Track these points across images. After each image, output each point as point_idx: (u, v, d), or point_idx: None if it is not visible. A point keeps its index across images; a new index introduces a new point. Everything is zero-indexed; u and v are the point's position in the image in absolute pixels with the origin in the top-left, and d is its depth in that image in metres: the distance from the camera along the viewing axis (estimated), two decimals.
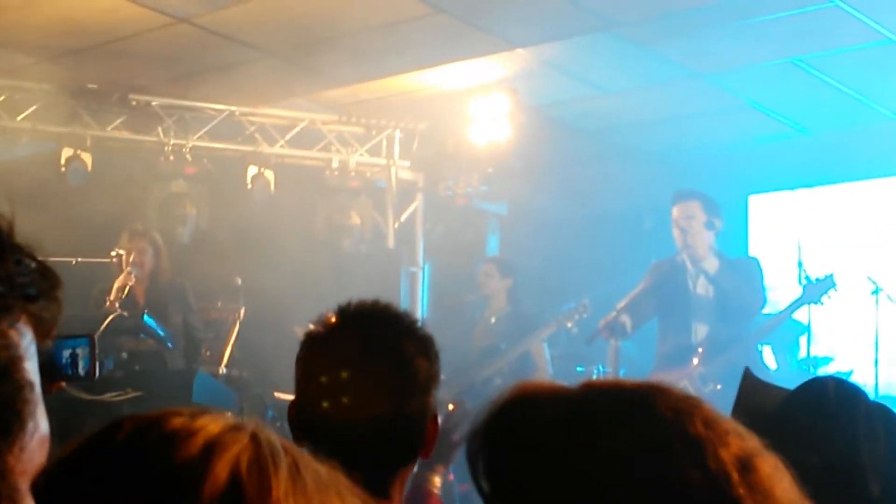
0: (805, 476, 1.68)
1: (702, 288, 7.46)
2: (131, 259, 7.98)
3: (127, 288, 7.89)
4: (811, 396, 1.91)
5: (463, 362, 8.63)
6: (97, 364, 2.75)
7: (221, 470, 0.99)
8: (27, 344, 1.08)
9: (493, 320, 8.89)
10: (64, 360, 2.69)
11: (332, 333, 2.33)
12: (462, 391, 8.24)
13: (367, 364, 2.27)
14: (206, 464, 0.99)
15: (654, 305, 7.59)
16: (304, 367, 2.35)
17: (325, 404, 2.30)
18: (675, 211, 7.54)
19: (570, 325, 8.27)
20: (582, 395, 1.21)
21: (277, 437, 1.05)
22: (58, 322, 1.10)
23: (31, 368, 1.09)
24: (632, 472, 1.12)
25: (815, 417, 1.85)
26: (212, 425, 1.03)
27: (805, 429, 1.82)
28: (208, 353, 8.31)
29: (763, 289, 7.53)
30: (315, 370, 2.33)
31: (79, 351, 2.70)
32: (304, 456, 1.06)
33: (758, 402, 1.95)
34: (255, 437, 1.03)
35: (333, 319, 2.34)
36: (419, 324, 2.39)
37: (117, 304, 7.80)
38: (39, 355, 2.78)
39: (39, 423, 1.09)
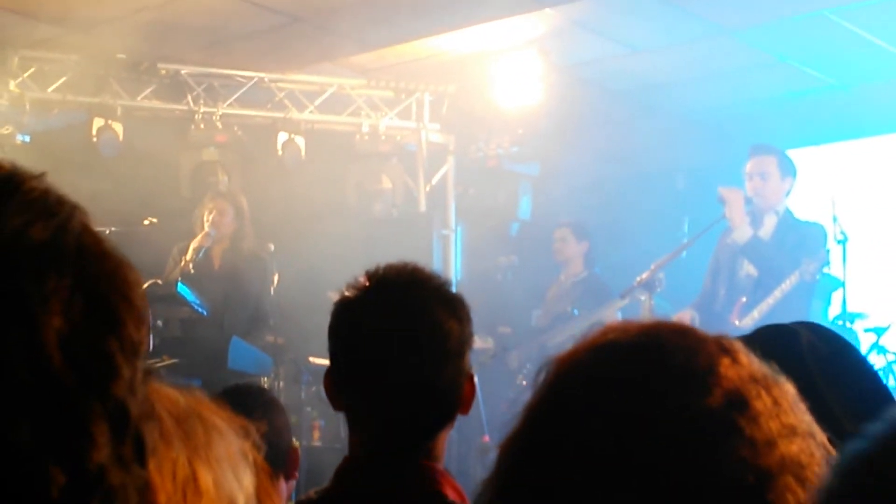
0: None
1: (743, 235, 7.34)
2: (210, 219, 7.91)
3: (203, 249, 7.86)
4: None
5: (535, 327, 8.61)
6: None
7: None
8: None
9: (568, 285, 8.88)
10: None
11: (361, 300, 2.31)
12: (534, 355, 8.22)
13: (397, 330, 2.27)
14: None
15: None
16: (335, 336, 2.34)
17: (358, 373, 2.31)
18: (749, 165, 7.44)
19: (653, 301, 7.48)
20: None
21: None
22: None
23: None
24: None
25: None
26: None
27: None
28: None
29: (814, 257, 7.23)
30: (346, 339, 2.33)
31: None
32: (161, 388, 1.02)
33: None
34: None
35: (362, 285, 2.33)
36: (448, 285, 2.37)
37: (191, 266, 7.80)
38: None
39: None
